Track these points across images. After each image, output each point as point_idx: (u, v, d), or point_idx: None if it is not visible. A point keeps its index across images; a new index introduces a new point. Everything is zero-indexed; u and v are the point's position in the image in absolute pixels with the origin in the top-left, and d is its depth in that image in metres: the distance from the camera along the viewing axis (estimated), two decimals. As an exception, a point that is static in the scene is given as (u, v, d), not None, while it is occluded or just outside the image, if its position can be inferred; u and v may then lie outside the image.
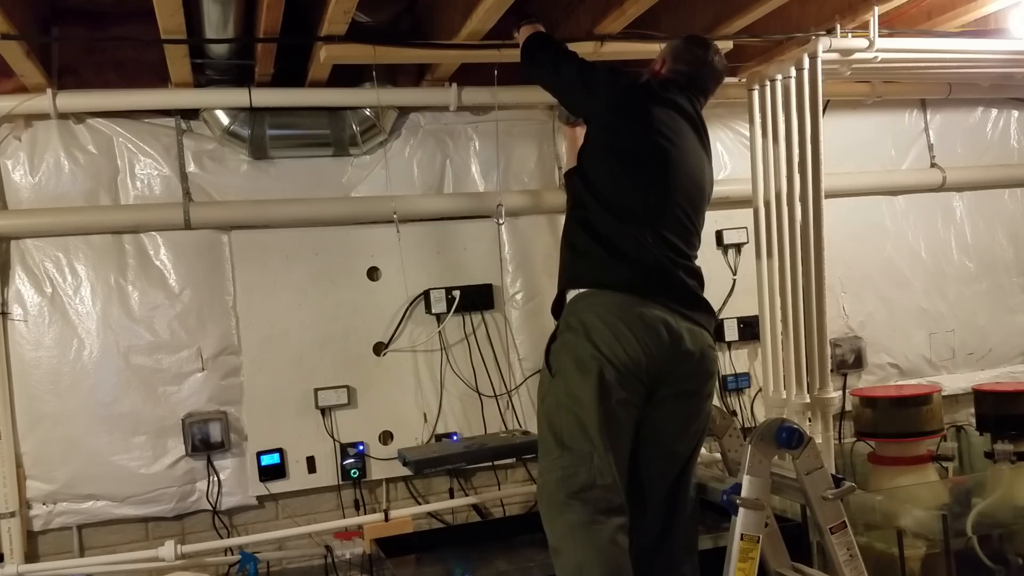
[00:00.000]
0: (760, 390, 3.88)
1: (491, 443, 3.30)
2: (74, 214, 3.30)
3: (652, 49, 3.29)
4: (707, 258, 3.96)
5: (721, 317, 3.99)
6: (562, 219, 3.75)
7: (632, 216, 2.44)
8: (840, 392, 3.90)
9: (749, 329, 3.91)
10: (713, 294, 3.95)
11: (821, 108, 3.26)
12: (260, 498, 3.48)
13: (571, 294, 2.47)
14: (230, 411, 3.43)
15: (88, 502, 3.29)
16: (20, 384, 3.25)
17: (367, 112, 3.51)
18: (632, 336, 2.31)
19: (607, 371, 2.28)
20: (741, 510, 2.28)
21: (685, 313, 2.42)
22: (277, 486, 3.46)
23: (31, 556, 3.25)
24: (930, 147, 4.38)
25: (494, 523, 3.58)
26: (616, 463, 2.30)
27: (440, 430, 3.64)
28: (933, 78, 4.08)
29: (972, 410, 3.90)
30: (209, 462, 3.40)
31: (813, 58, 3.22)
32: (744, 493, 2.30)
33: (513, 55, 3.21)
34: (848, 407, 3.96)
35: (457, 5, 2.98)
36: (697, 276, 2.54)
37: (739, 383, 4.02)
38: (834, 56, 3.27)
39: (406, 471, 3.37)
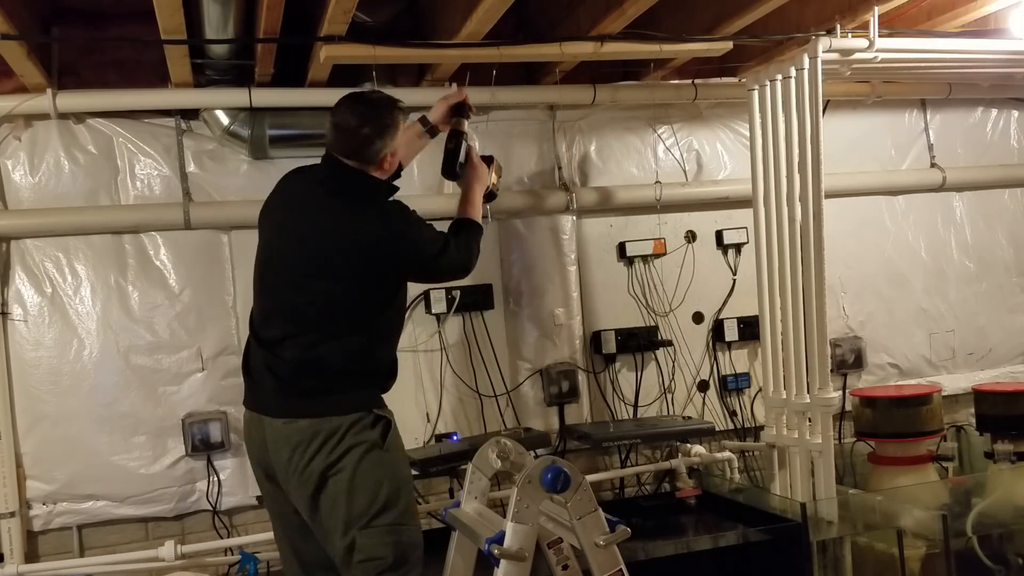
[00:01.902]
0: (760, 390, 3.88)
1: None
2: (74, 214, 3.30)
3: (652, 49, 3.30)
4: (707, 258, 4.01)
5: (721, 317, 4.00)
6: (562, 219, 3.83)
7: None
8: (840, 392, 3.90)
9: (749, 329, 3.91)
10: (713, 294, 4.00)
11: (821, 108, 3.25)
12: (260, 498, 3.46)
13: None
14: (230, 411, 3.43)
15: (88, 502, 3.29)
16: (20, 384, 3.25)
17: (367, 112, 3.50)
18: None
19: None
20: (502, 562, 2.06)
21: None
22: (277, 486, 3.46)
23: (31, 556, 3.25)
24: (930, 147, 4.37)
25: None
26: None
27: (440, 430, 3.64)
28: (933, 78, 4.08)
29: (972, 410, 3.90)
30: (209, 462, 3.40)
31: (813, 58, 3.21)
32: (507, 543, 2.06)
33: (513, 55, 3.23)
34: (848, 407, 3.96)
35: (457, 5, 2.98)
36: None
37: (739, 383, 4.02)
38: (834, 56, 3.27)
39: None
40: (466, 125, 2.92)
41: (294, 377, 2.44)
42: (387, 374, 2.58)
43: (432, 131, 2.96)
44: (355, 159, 2.53)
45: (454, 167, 2.86)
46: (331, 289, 2.44)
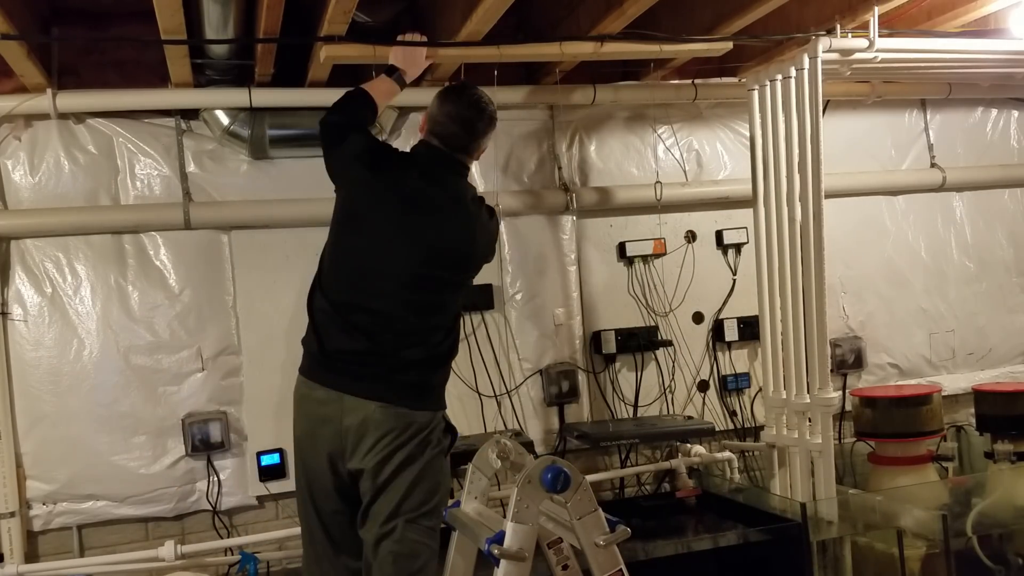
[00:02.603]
0: (760, 390, 3.88)
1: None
2: (74, 214, 3.30)
3: (652, 49, 3.30)
4: (707, 258, 4.01)
5: (721, 317, 4.00)
6: (562, 219, 3.83)
7: None
8: (840, 392, 3.90)
9: (749, 329, 3.91)
10: (713, 294, 4.00)
11: (821, 108, 3.25)
12: (260, 498, 3.48)
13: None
14: (230, 411, 3.43)
15: (88, 502, 3.29)
16: (20, 384, 3.25)
17: (367, 112, 3.50)
18: None
19: None
20: (502, 562, 2.04)
21: None
22: (277, 486, 3.46)
23: (31, 556, 3.25)
24: (930, 147, 4.38)
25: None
26: None
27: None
28: (933, 78, 4.08)
29: (972, 410, 3.90)
30: (209, 462, 3.40)
31: (813, 58, 3.21)
32: (507, 543, 2.05)
33: (513, 55, 3.23)
34: (848, 407, 3.96)
35: (457, 5, 2.97)
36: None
37: (739, 383, 4.02)
38: (834, 56, 3.27)
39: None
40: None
41: (402, 368, 2.48)
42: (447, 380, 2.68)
43: (401, 81, 2.91)
44: (466, 154, 2.62)
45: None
46: (447, 298, 2.57)
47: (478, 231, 2.60)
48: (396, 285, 2.48)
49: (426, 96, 3.57)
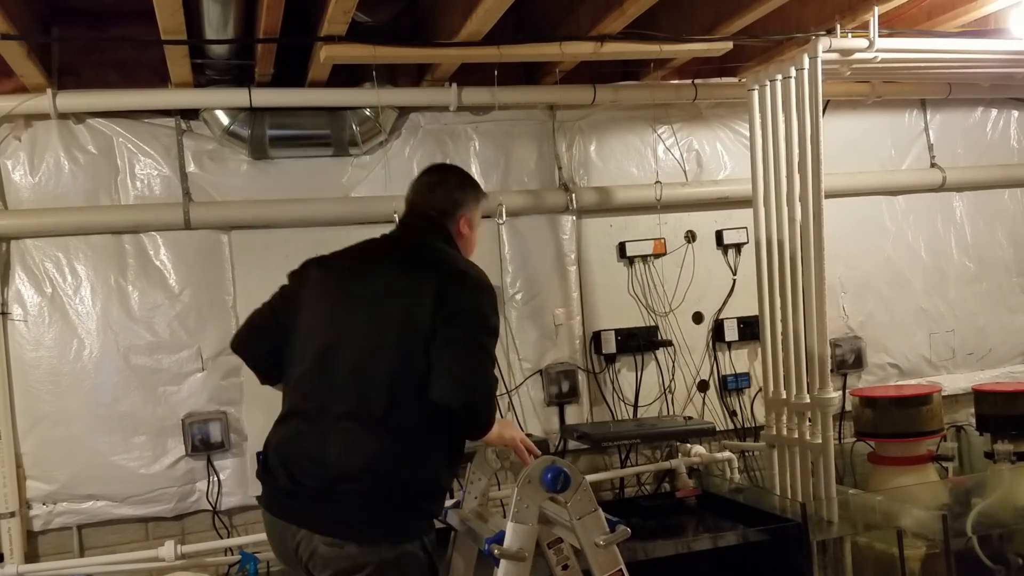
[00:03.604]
0: (760, 390, 3.88)
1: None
2: (74, 214, 3.30)
3: (652, 49, 3.30)
4: (707, 258, 4.01)
5: (721, 317, 4.00)
6: (562, 219, 3.83)
7: None
8: (840, 392, 3.90)
9: (749, 329, 3.91)
10: (713, 294, 4.00)
11: (821, 108, 3.25)
12: (260, 498, 3.47)
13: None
14: (230, 411, 3.43)
15: (88, 502, 3.29)
16: (20, 384, 3.25)
17: (367, 112, 3.51)
18: None
19: None
20: (502, 562, 2.02)
21: None
22: (277, 486, 3.45)
23: (31, 556, 3.25)
24: (930, 147, 4.38)
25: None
26: None
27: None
28: (933, 78, 4.08)
29: (972, 410, 3.90)
30: (209, 462, 3.40)
31: (813, 58, 3.21)
32: (507, 543, 2.02)
33: (513, 55, 3.23)
34: (848, 407, 3.96)
35: (457, 5, 2.97)
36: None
37: (739, 383, 4.02)
38: (834, 56, 3.27)
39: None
40: None
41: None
42: None
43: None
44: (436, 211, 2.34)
45: None
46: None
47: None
48: None
49: (426, 96, 3.62)
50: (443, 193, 2.37)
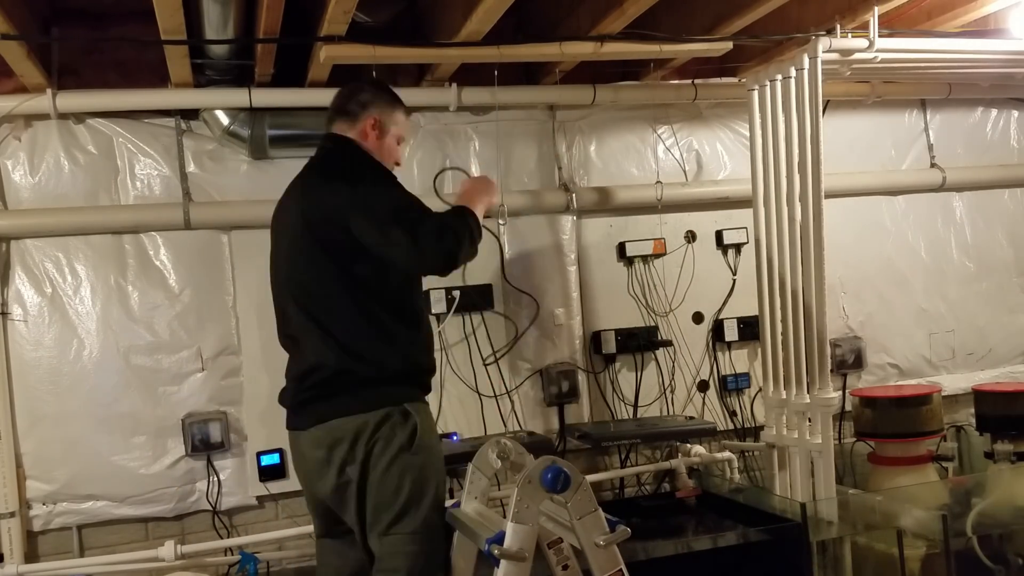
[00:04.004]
0: (760, 390, 3.87)
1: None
2: (74, 214, 3.30)
3: (652, 49, 3.30)
4: (707, 258, 4.01)
5: (721, 317, 4.00)
6: (562, 219, 3.83)
7: None
8: (840, 392, 3.90)
9: (749, 329, 3.91)
10: (713, 294, 4.00)
11: (821, 108, 3.26)
12: (260, 498, 3.48)
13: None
14: (230, 411, 3.43)
15: (88, 502, 3.29)
16: (20, 384, 3.25)
17: (367, 112, 3.50)
18: None
19: None
20: (502, 562, 2.04)
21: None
22: (277, 486, 3.46)
23: (31, 556, 3.25)
24: (930, 147, 4.38)
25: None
26: None
27: (440, 430, 3.63)
28: (933, 78, 4.08)
29: (972, 410, 3.90)
30: (209, 462, 3.40)
31: (813, 58, 3.21)
32: (507, 543, 2.04)
33: (513, 55, 3.23)
34: (848, 407, 3.96)
35: (457, 5, 2.98)
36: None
37: (739, 383, 4.02)
38: (834, 56, 3.27)
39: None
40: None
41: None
42: None
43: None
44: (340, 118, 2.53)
45: None
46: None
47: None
48: None
49: (426, 96, 3.62)
50: (347, 96, 2.55)
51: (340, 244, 2.31)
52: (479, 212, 2.48)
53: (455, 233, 2.31)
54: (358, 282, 2.33)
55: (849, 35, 3.28)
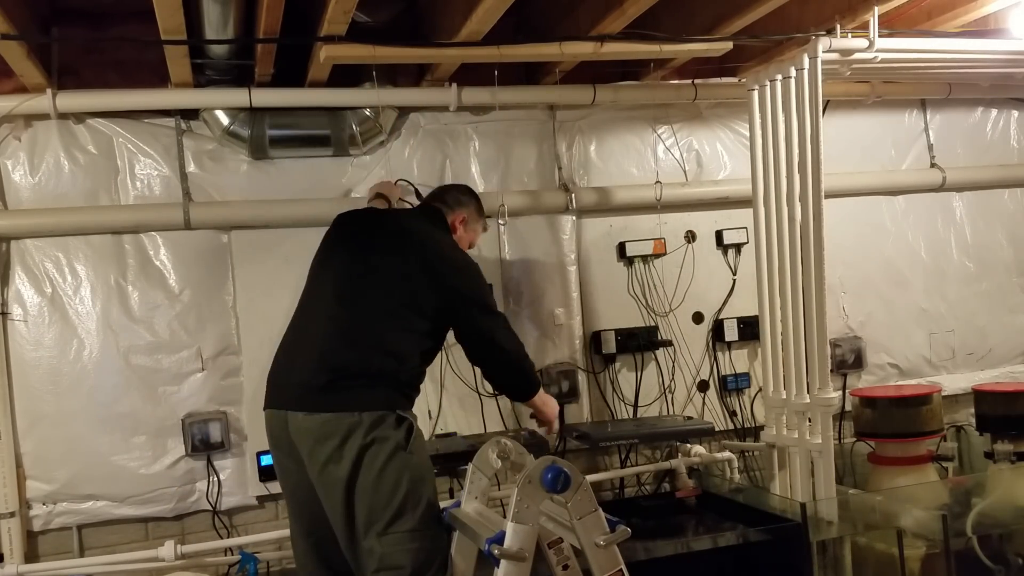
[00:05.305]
0: (760, 390, 3.88)
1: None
2: (74, 214, 3.30)
3: (652, 49, 3.30)
4: (707, 258, 4.01)
5: (721, 317, 4.00)
6: (562, 219, 3.82)
7: None
8: (840, 392, 3.90)
9: (749, 329, 3.91)
10: (713, 294, 4.00)
11: (821, 108, 3.25)
12: (260, 498, 3.48)
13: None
14: (230, 411, 3.43)
15: (88, 502, 3.29)
16: (20, 384, 3.25)
17: (367, 112, 3.51)
18: None
19: None
20: (502, 562, 2.06)
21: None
22: (277, 486, 3.43)
23: (31, 556, 3.25)
24: (930, 147, 4.38)
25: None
26: None
27: (440, 430, 3.63)
28: (933, 78, 4.08)
29: (972, 410, 3.90)
30: (209, 462, 3.40)
31: (813, 58, 3.21)
32: (507, 543, 2.06)
33: (513, 55, 3.23)
34: (848, 407, 3.96)
35: (457, 5, 2.97)
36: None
37: (739, 383, 4.02)
38: (834, 56, 3.27)
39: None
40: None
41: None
42: None
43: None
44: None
45: None
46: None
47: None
48: None
49: (426, 96, 3.62)
50: (448, 190, 3.08)
51: (432, 305, 2.62)
52: (540, 397, 2.94)
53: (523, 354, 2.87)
54: (415, 328, 2.61)
55: (849, 35, 3.28)
